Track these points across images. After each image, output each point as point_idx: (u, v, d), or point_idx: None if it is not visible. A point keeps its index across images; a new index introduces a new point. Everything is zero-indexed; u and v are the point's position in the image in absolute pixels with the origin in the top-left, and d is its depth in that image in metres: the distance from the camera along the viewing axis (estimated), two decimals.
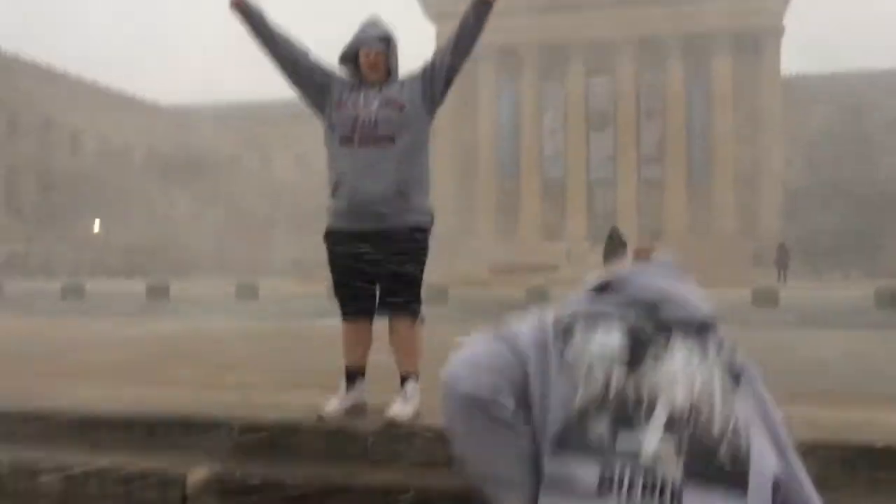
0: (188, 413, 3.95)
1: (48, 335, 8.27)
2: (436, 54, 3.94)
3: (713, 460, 1.45)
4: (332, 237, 3.95)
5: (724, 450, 1.46)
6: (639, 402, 1.50)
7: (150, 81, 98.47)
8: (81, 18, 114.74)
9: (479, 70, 53.24)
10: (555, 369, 1.55)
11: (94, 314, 12.17)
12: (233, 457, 3.66)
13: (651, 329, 1.60)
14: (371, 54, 3.85)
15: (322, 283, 26.68)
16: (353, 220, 3.83)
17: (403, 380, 3.87)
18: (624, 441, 1.46)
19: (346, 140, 3.80)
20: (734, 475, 1.45)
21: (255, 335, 8.43)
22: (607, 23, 53.14)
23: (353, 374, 3.96)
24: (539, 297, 16.05)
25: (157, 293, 17.09)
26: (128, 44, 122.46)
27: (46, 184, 55.10)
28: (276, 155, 65.58)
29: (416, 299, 3.92)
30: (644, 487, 1.42)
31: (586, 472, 1.45)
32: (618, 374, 1.53)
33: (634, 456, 1.45)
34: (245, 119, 64.91)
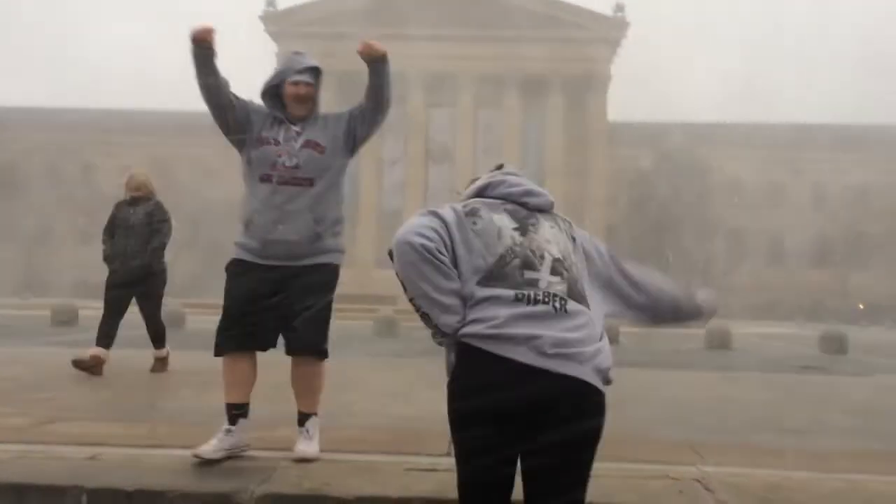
0: (22, 478, 3.27)
1: None
2: (359, 107, 3.96)
3: (576, 286, 2.43)
4: (236, 266, 3.81)
5: (579, 282, 2.46)
6: (533, 254, 2.42)
7: None
8: None
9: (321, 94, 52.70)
10: (471, 235, 2.42)
11: None
12: None
13: (524, 212, 2.53)
14: (301, 87, 3.81)
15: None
16: (264, 256, 3.76)
17: (304, 418, 3.79)
18: (528, 276, 2.38)
19: (266, 178, 3.74)
20: (584, 297, 2.44)
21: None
22: (448, 56, 54.32)
23: (235, 413, 3.71)
24: (388, 327, 15.76)
25: None
26: None
27: None
28: (98, 165, 61.45)
29: (325, 338, 3.84)
30: (540, 299, 2.34)
31: (505, 292, 2.34)
32: (515, 238, 2.44)
33: (535, 283, 2.37)
34: (65, 127, 60.47)
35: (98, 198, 57.09)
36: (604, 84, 57.55)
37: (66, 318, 15.43)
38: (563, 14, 55.74)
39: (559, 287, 2.37)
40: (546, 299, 2.33)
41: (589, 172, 56.18)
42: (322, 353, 3.83)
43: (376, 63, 3.88)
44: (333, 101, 54.24)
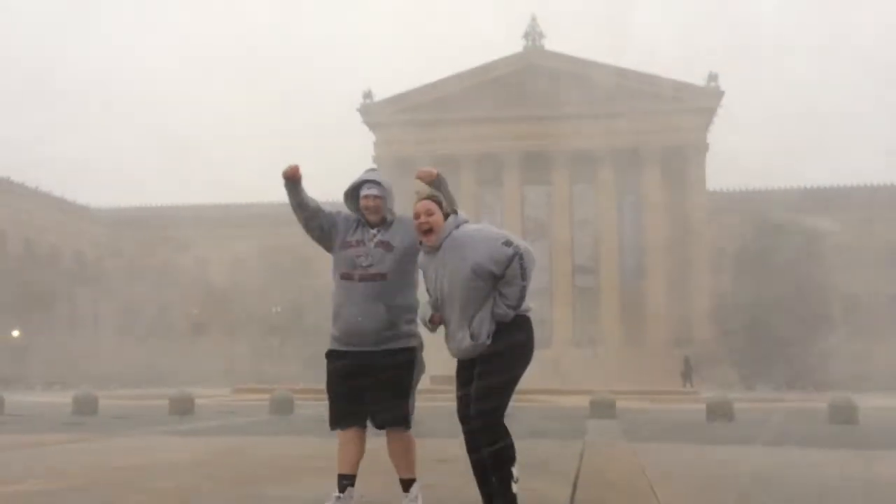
0: None
1: None
2: None
3: None
4: (330, 354, 4.49)
5: None
6: None
7: (80, 185, 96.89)
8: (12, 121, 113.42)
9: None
10: None
11: (19, 431, 11.20)
12: None
13: None
14: (370, 199, 4.43)
15: (255, 394, 25.58)
16: (349, 343, 4.40)
17: (406, 484, 4.40)
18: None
19: (347, 275, 4.42)
20: None
21: (207, 459, 7.74)
22: (541, 135, 54.96)
23: (344, 483, 4.37)
24: None
25: (84, 406, 16.00)
26: (57, 147, 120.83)
27: None
28: (211, 259, 64.34)
29: (406, 410, 4.39)
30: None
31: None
32: None
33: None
34: (178, 222, 63.85)
35: (209, 290, 59.73)
36: (701, 154, 56.87)
37: (183, 408, 15.99)
38: (655, 87, 55.82)
39: None
40: None
41: (691, 243, 55.07)
42: (406, 424, 4.39)
43: (433, 183, 4.43)
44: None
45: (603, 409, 15.08)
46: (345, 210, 4.64)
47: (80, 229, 64.86)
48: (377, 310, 4.31)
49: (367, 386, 4.33)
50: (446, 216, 4.16)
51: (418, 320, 4.41)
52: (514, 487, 3.93)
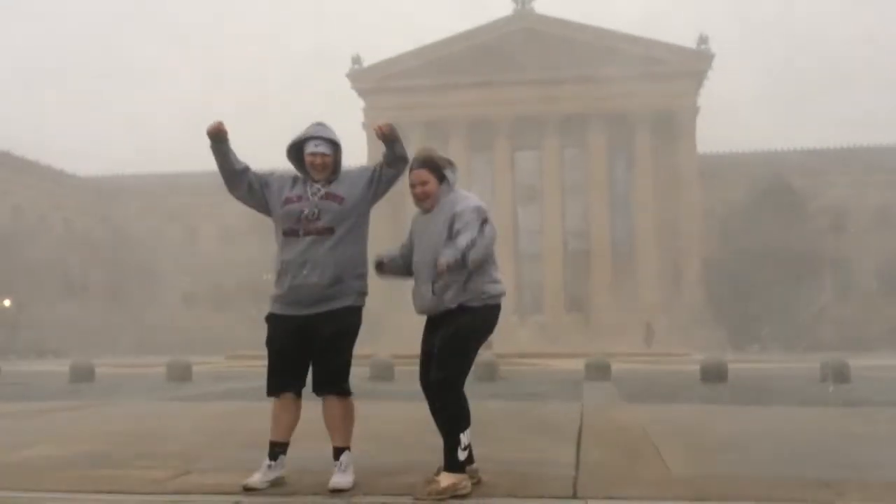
0: None
1: None
2: (380, 166, 4.38)
3: None
4: (271, 319, 4.30)
5: None
6: None
7: (67, 152, 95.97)
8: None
9: (408, 143, 53.71)
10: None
11: (21, 398, 11.21)
12: None
13: None
14: (317, 157, 4.24)
15: (249, 360, 25.71)
16: (294, 305, 4.21)
17: (337, 452, 4.19)
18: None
19: (292, 231, 4.23)
20: None
21: (210, 424, 7.78)
22: (532, 99, 54.62)
23: (277, 451, 4.23)
24: (488, 371, 15.71)
25: (81, 374, 16.02)
26: (44, 114, 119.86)
27: None
28: (201, 227, 64.05)
29: (345, 379, 4.24)
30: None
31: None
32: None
33: None
34: (167, 191, 63.42)
35: (199, 258, 59.58)
36: (691, 117, 56.72)
37: (181, 375, 16.03)
38: (645, 50, 55.45)
39: None
40: None
41: (680, 207, 55.13)
42: (343, 392, 4.24)
43: (387, 141, 4.25)
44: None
45: (598, 371, 15.20)
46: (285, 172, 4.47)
47: (69, 198, 64.36)
48: (324, 264, 4.14)
49: (308, 352, 4.20)
50: (441, 178, 4.27)
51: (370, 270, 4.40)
52: (462, 454, 4.02)
